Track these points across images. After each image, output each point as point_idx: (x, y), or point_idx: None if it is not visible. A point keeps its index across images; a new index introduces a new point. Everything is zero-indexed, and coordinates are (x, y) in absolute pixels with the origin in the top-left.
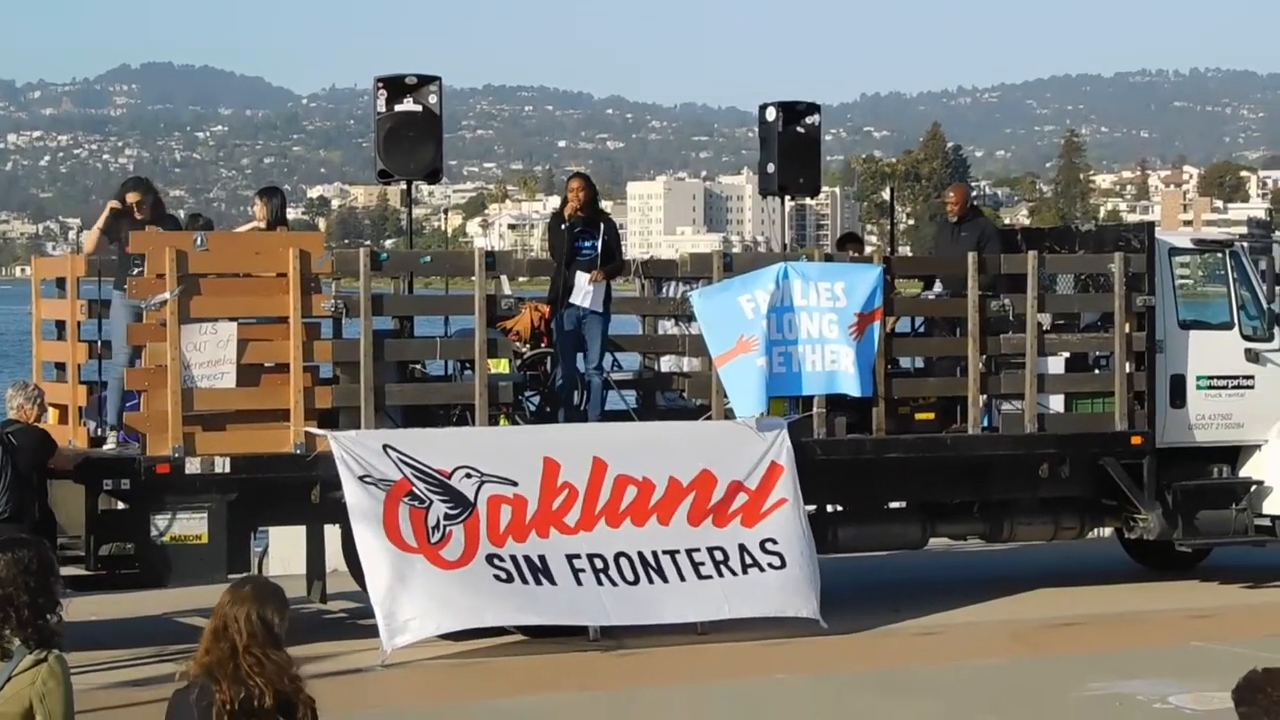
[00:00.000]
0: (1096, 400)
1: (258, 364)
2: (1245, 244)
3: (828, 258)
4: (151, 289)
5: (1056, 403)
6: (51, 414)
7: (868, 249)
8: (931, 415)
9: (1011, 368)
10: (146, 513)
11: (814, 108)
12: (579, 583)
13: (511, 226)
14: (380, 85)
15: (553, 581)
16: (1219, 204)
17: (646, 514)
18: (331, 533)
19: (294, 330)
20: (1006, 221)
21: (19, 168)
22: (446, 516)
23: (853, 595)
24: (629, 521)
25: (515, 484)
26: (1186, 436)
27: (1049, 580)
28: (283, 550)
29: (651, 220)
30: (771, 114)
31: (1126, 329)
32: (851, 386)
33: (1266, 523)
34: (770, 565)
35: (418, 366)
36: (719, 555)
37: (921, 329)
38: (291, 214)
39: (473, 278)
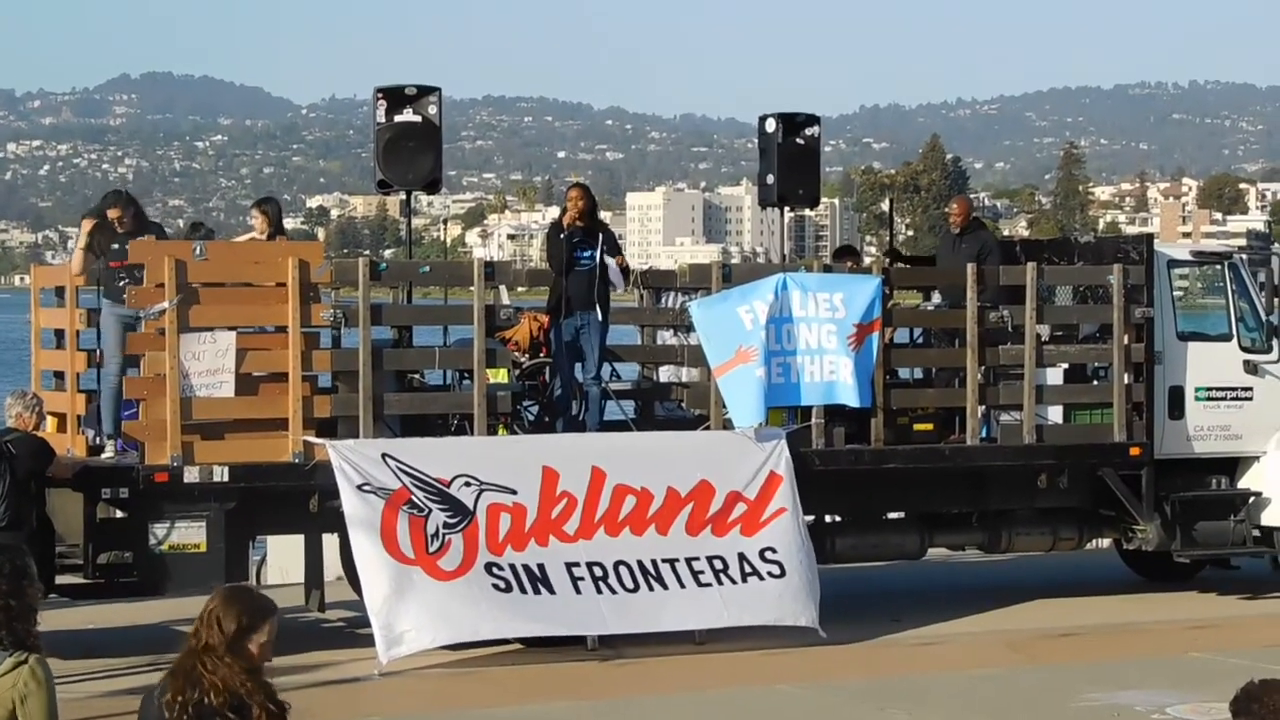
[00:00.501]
0: (1095, 411)
1: (257, 373)
2: (1244, 256)
3: (826, 268)
4: (150, 298)
5: (1055, 414)
6: (50, 422)
7: (867, 260)
8: (930, 426)
9: (1010, 378)
10: (145, 521)
11: (813, 119)
12: (578, 591)
13: (510, 237)
14: (380, 96)
15: (551, 590)
16: (1218, 216)
17: (645, 524)
18: (330, 542)
19: (293, 339)
20: (1006, 233)
21: (18, 177)
22: (445, 525)
23: (851, 605)
24: (628, 530)
25: (514, 492)
26: (1185, 448)
27: (1047, 591)
28: (281, 559)
29: (650, 231)
30: (771, 125)
31: (1125, 340)
32: (850, 397)
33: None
34: (770, 574)
35: (416, 376)
36: (718, 564)
37: (920, 340)
38: (291, 224)
39: (471, 288)
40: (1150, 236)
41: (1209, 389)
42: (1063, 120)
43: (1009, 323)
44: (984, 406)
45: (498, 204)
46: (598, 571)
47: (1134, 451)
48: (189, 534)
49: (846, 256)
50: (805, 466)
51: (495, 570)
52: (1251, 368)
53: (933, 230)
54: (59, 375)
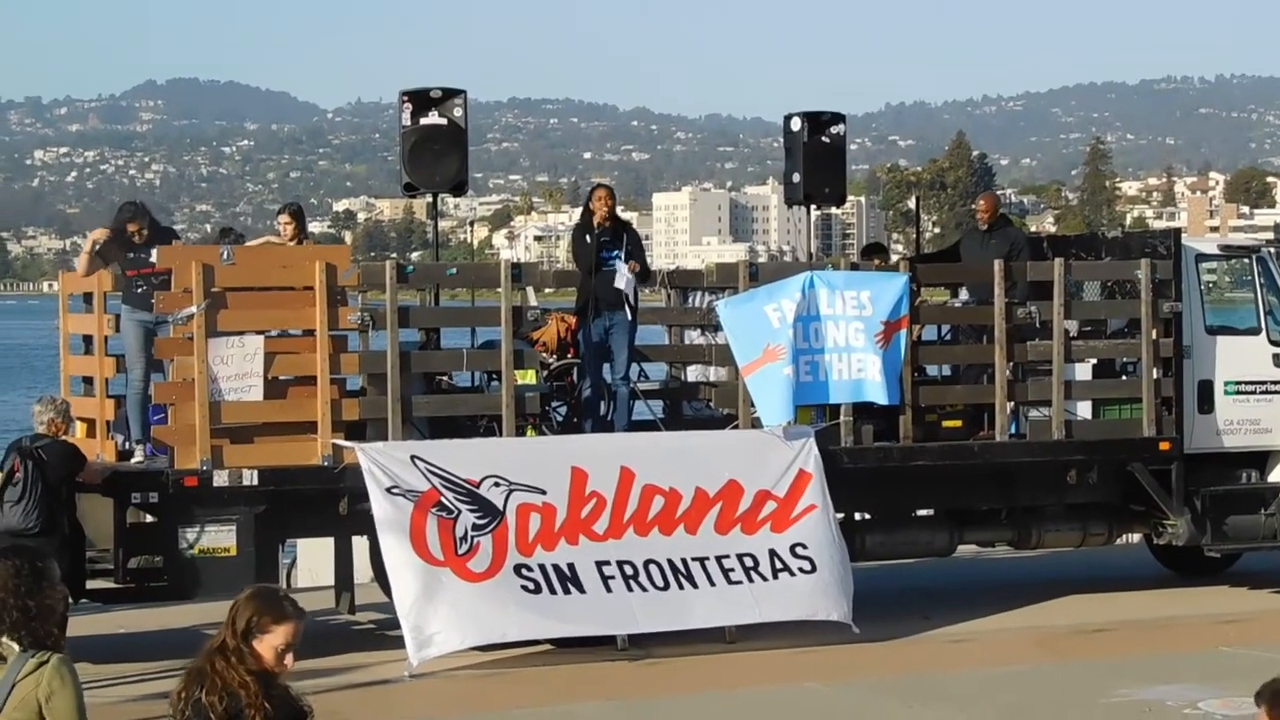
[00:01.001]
0: (1124, 406)
1: (285, 377)
2: (1272, 249)
3: (853, 266)
4: (178, 303)
5: (1084, 409)
6: (79, 428)
7: (894, 258)
8: (959, 423)
9: (1039, 374)
10: (175, 525)
11: (839, 117)
12: (608, 590)
13: (537, 238)
14: (405, 99)
15: (581, 590)
16: (1245, 210)
17: (674, 523)
18: (360, 544)
19: (321, 343)
20: (1033, 229)
21: (46, 184)
22: (475, 526)
23: (882, 602)
24: (657, 530)
25: (544, 493)
26: (1214, 442)
27: (1077, 587)
28: (311, 562)
29: (677, 231)
30: (796, 124)
31: (1153, 335)
32: (878, 394)
33: None
34: (801, 570)
35: (444, 378)
36: (749, 561)
37: (948, 336)
38: (317, 228)
39: (499, 289)
40: (1178, 231)
41: (1238, 383)
42: (1089, 116)
43: (1037, 319)
44: (1013, 403)
45: (524, 206)
46: (628, 570)
47: (1163, 446)
48: (219, 538)
49: (875, 254)
50: (834, 464)
51: (524, 572)
52: None
53: (959, 227)
54: (88, 381)
